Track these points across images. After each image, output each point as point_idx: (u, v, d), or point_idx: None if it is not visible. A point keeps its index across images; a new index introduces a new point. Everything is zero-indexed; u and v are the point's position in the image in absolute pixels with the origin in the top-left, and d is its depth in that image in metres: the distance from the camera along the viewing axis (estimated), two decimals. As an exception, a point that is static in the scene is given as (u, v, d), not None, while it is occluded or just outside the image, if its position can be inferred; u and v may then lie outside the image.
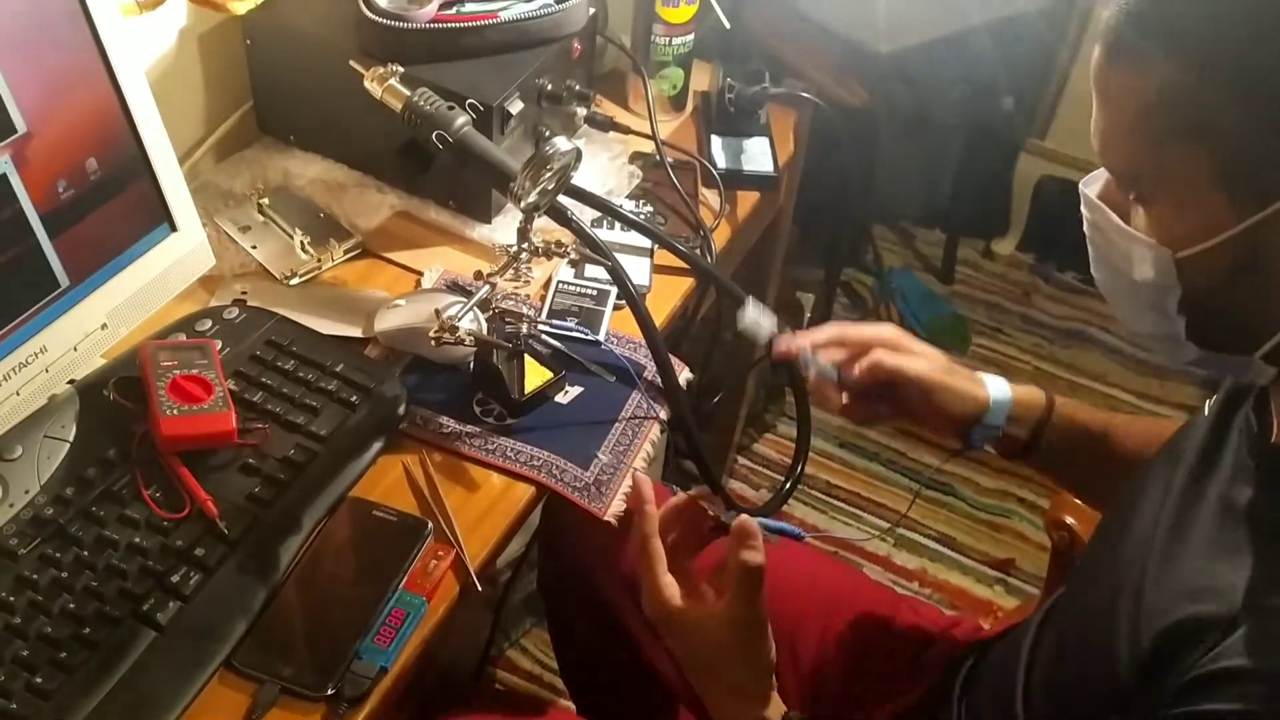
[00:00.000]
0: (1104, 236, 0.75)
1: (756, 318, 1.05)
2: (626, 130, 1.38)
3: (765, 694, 0.89)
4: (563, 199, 1.06)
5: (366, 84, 1.10)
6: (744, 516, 0.90)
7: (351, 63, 1.11)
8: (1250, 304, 0.68)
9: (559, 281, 1.20)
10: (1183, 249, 0.68)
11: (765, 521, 1.17)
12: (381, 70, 1.09)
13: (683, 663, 0.92)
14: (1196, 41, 0.63)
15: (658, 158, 1.35)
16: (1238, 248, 0.66)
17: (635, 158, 1.39)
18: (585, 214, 1.14)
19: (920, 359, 1.04)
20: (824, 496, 2.21)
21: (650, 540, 0.91)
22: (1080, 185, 0.76)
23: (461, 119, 1.06)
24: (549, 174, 1.00)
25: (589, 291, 1.20)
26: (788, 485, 1.20)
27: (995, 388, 1.05)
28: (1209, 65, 0.63)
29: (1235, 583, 0.67)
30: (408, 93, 1.07)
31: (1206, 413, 0.82)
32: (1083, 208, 0.77)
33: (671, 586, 0.90)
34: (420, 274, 1.21)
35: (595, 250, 1.07)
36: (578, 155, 1.02)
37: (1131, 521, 0.82)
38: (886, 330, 1.06)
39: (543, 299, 1.19)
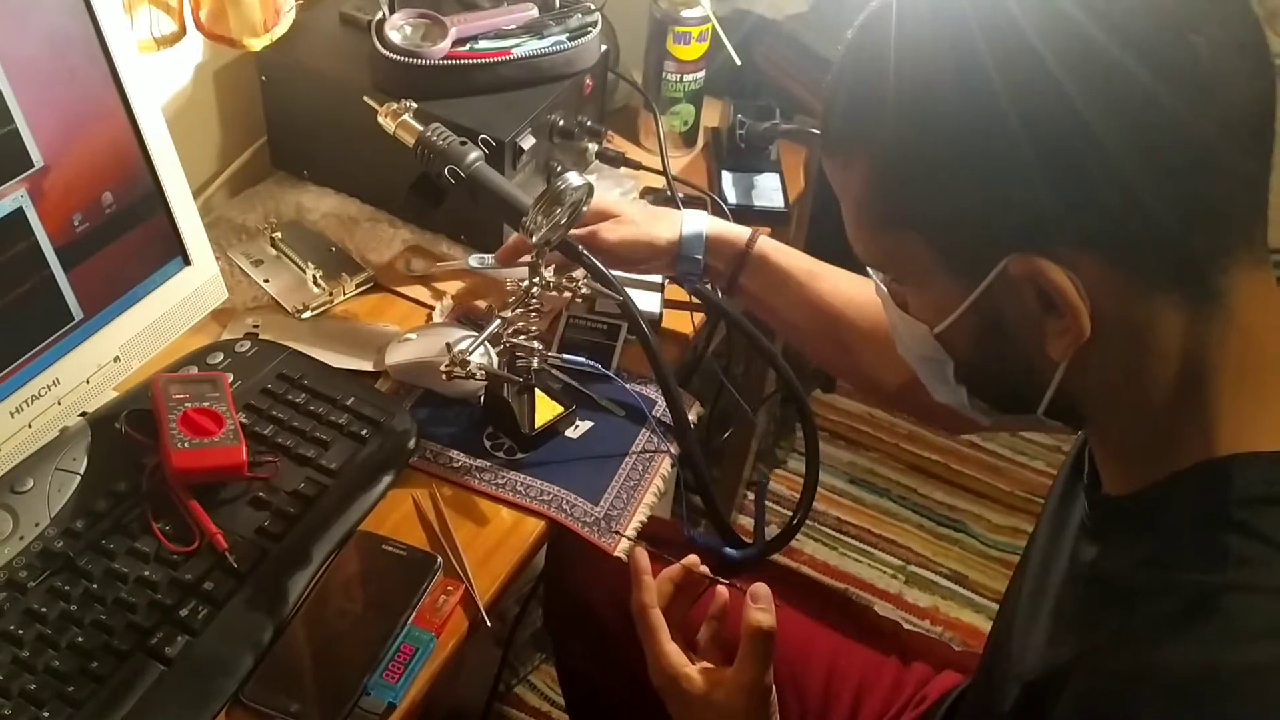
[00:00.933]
0: (889, 317, 0.76)
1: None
2: (638, 166, 1.38)
3: None
4: (574, 234, 1.07)
5: (380, 119, 1.10)
6: (758, 584, 0.91)
7: (365, 98, 1.12)
8: (1013, 366, 0.68)
9: (570, 316, 1.21)
10: (935, 326, 0.69)
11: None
12: (395, 106, 1.10)
13: None
14: (879, 139, 0.64)
15: (669, 193, 1.36)
16: (978, 319, 0.66)
17: (647, 192, 1.40)
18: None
19: (619, 225, 1.13)
20: (834, 533, 2.19)
21: (649, 611, 0.93)
22: (872, 274, 0.77)
23: (474, 154, 1.07)
24: (561, 210, 1.01)
25: (600, 326, 1.20)
26: (794, 521, 1.19)
27: (691, 223, 1.12)
28: (892, 159, 0.64)
29: (1072, 643, 0.68)
30: (421, 128, 1.08)
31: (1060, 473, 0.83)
32: (877, 294, 0.78)
33: (677, 654, 0.91)
34: (431, 308, 1.21)
35: (606, 285, 1.07)
36: (589, 191, 1.03)
37: (1023, 568, 0.84)
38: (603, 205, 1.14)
39: (553, 333, 1.19)
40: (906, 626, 1.26)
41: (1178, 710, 0.58)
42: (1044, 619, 0.75)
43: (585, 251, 1.07)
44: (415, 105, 1.11)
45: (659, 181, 1.39)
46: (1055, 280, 0.60)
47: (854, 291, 1.09)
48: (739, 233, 1.12)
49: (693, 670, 0.92)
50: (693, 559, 0.99)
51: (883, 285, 0.75)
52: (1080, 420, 0.71)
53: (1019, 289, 0.63)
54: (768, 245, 1.12)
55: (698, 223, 1.13)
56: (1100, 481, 0.72)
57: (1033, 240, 0.61)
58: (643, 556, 0.96)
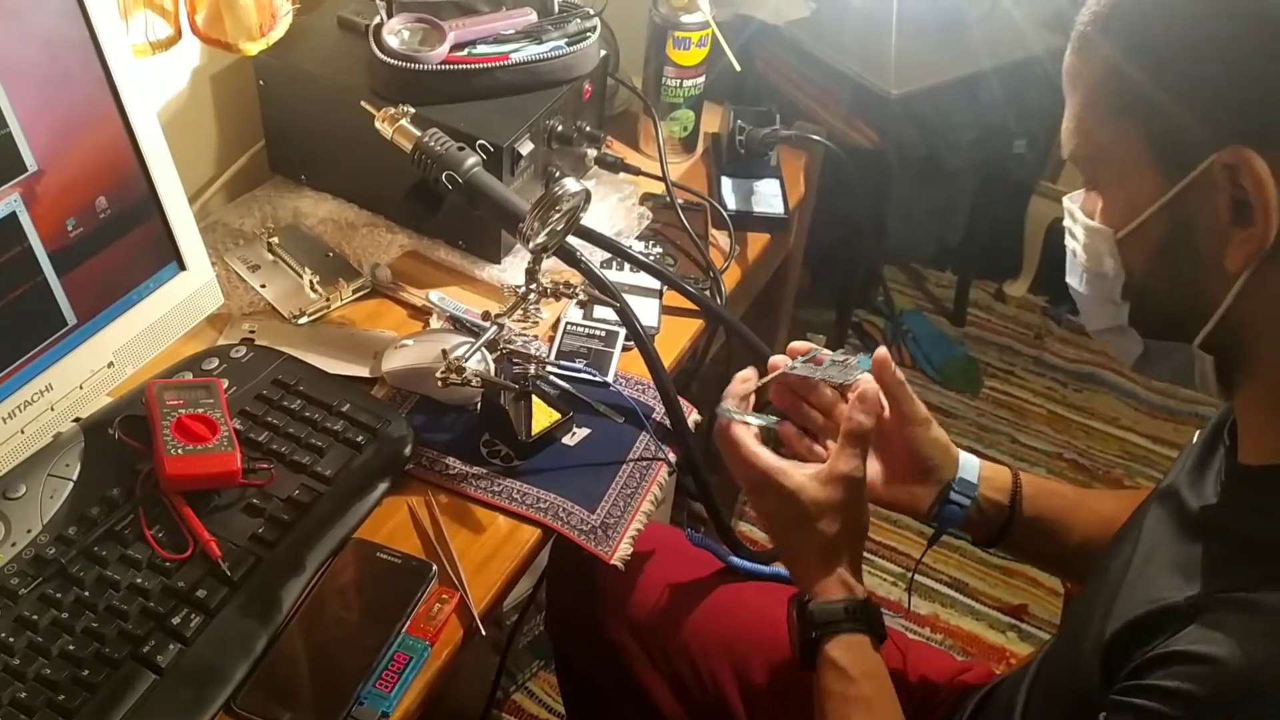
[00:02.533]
0: (1072, 238, 0.78)
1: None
2: (637, 171, 1.38)
3: (857, 556, 0.92)
4: (572, 240, 1.06)
5: (377, 124, 1.10)
6: (866, 386, 0.93)
7: (363, 103, 1.12)
8: (1183, 287, 0.70)
9: (567, 323, 1.20)
10: (1121, 228, 0.71)
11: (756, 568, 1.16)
12: (392, 111, 1.10)
13: (773, 524, 0.95)
14: (1127, 25, 0.68)
15: (668, 199, 1.35)
16: (1167, 223, 0.68)
17: (646, 199, 1.39)
18: (595, 255, 1.14)
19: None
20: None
21: (732, 426, 0.94)
22: (1065, 199, 0.80)
23: (471, 159, 1.06)
24: (558, 215, 1.00)
25: (598, 333, 1.19)
26: None
27: (963, 455, 1.03)
28: (1136, 45, 0.67)
29: (1195, 584, 0.68)
30: (418, 133, 1.08)
31: (1194, 442, 0.82)
32: (1065, 218, 0.79)
33: (769, 454, 0.92)
34: (428, 315, 1.21)
35: (604, 291, 1.07)
36: (587, 196, 1.02)
37: (1115, 556, 0.82)
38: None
39: (551, 339, 1.18)
40: (910, 636, 1.25)
41: None
42: (1156, 575, 0.74)
43: (582, 256, 1.06)
44: (413, 110, 1.10)
45: (658, 187, 1.38)
46: (1257, 172, 0.62)
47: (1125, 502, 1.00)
48: (1001, 469, 1.04)
49: (787, 464, 0.91)
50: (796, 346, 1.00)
51: (1073, 205, 0.77)
52: (1234, 365, 0.71)
53: (1215, 190, 0.65)
54: (1031, 477, 1.05)
55: (966, 456, 1.04)
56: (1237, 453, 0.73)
57: (1248, 136, 0.63)
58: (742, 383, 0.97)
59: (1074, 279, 0.79)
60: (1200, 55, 0.64)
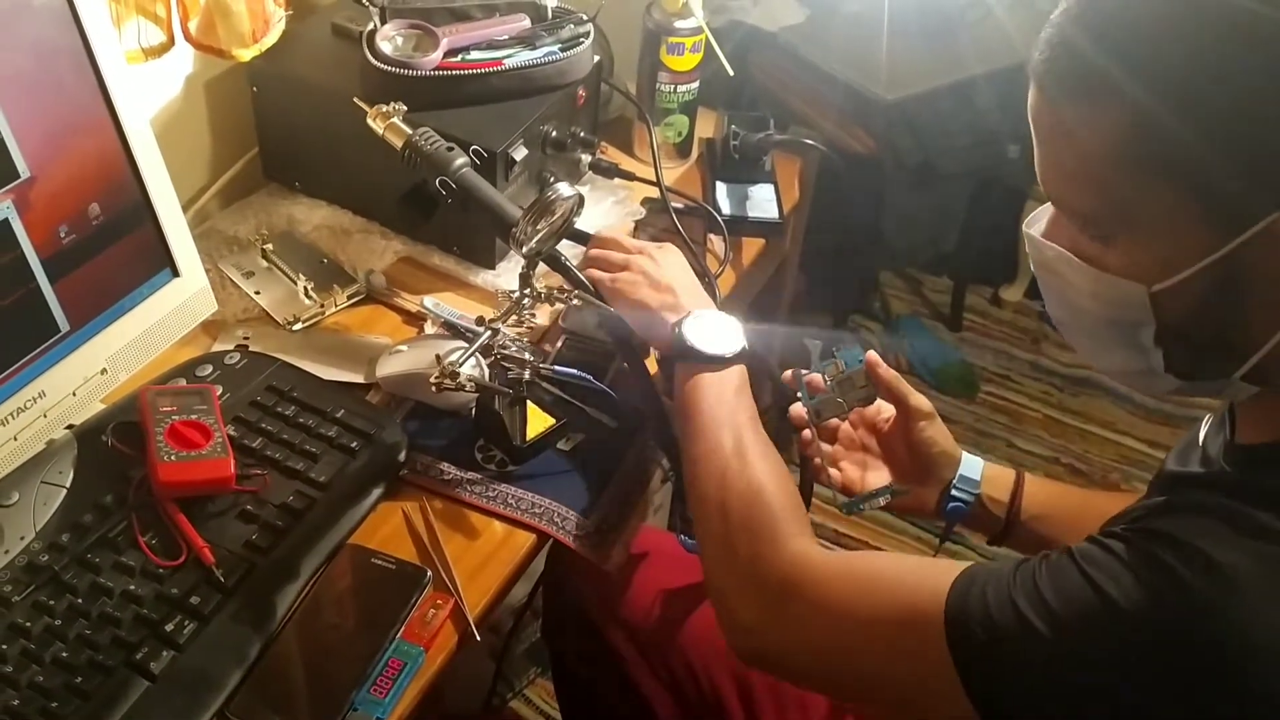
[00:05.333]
0: (1060, 278, 0.74)
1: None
2: (631, 177, 1.38)
3: None
4: (566, 244, 1.06)
5: (369, 121, 1.10)
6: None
7: (355, 99, 1.12)
8: (1227, 328, 0.68)
9: (566, 334, 1.20)
10: (1157, 282, 0.68)
11: None
12: (385, 108, 1.10)
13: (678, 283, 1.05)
14: (1152, 83, 0.63)
15: (663, 204, 1.35)
16: (1214, 274, 0.66)
17: (646, 202, 1.39)
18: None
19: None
20: (832, 546, 2.18)
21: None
22: (1024, 227, 0.76)
23: (460, 160, 1.06)
24: (550, 220, 1.00)
25: (595, 348, 1.18)
26: None
27: (967, 455, 1.06)
28: (1167, 106, 0.62)
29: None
30: (409, 131, 1.08)
31: (1201, 432, 0.82)
32: (1028, 248, 0.76)
33: None
34: (423, 321, 1.21)
35: (594, 299, 1.06)
36: (580, 201, 1.02)
37: None
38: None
39: (537, 341, 1.18)
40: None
41: None
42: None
43: (570, 264, 1.06)
44: (405, 108, 1.10)
45: (653, 192, 1.38)
46: None
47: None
48: (1005, 469, 1.07)
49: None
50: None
51: (1056, 246, 0.73)
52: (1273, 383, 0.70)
53: (1274, 243, 0.63)
54: (1034, 477, 1.07)
55: (969, 455, 1.07)
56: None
57: None
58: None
59: (1073, 321, 0.76)
60: (1242, 124, 0.61)
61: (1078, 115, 0.66)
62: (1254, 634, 0.61)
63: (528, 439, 1.05)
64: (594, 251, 1.11)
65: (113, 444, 0.98)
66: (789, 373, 1.06)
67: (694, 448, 0.94)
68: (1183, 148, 0.63)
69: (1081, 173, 0.68)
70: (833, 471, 1.05)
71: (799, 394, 1.04)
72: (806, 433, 1.04)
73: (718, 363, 0.98)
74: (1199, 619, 0.63)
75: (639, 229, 1.36)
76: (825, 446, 1.07)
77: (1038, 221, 0.76)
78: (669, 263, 1.08)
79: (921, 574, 0.77)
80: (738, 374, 0.98)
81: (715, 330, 1.00)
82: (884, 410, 1.07)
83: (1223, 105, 0.61)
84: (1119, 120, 0.64)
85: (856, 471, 1.06)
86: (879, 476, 1.06)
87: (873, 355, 1.02)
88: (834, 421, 1.06)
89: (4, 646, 0.84)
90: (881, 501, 1.03)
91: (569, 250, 1.09)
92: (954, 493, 1.04)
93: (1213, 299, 0.67)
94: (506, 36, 1.28)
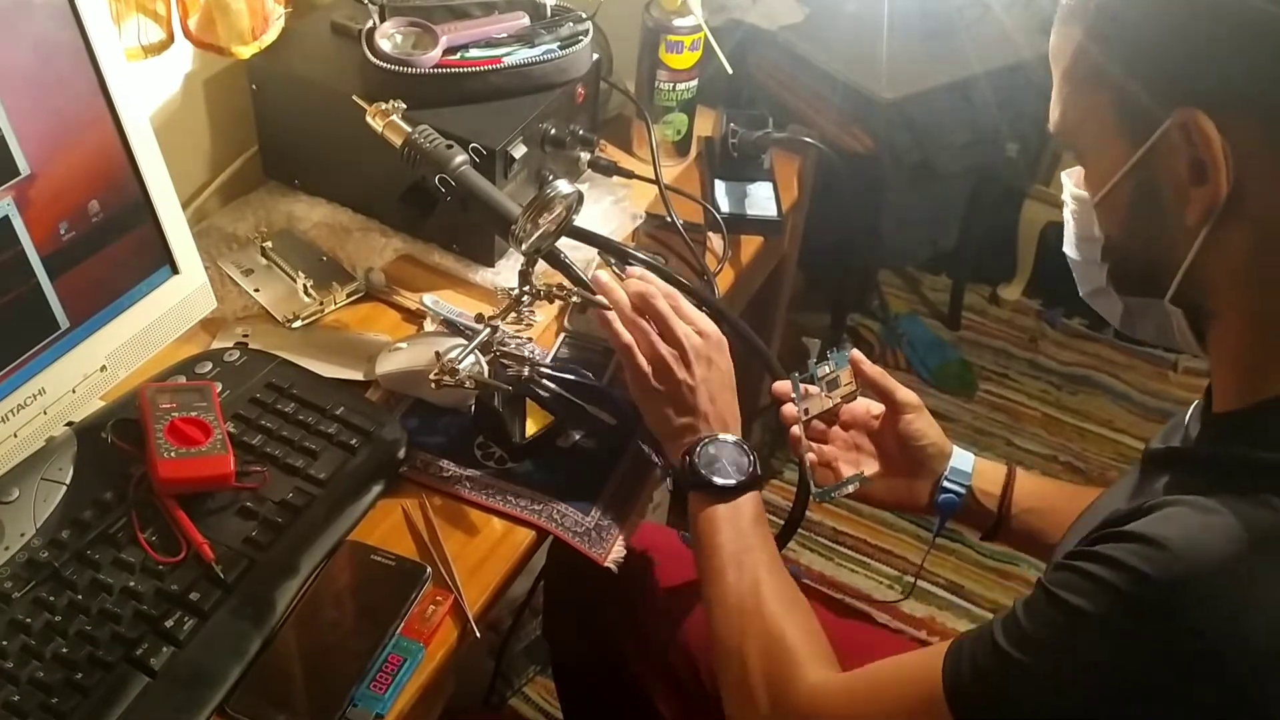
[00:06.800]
0: (1066, 209, 0.82)
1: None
2: (630, 175, 1.38)
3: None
4: (567, 242, 1.06)
5: (368, 119, 1.10)
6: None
7: (354, 97, 1.12)
8: (1152, 245, 0.73)
9: (567, 334, 1.20)
10: (1096, 193, 0.75)
11: None
12: (384, 106, 1.10)
13: (707, 386, 1.00)
14: (1096, 4, 0.71)
15: (668, 218, 1.35)
16: (1135, 186, 0.72)
17: (650, 220, 1.38)
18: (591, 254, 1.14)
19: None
20: (830, 544, 2.18)
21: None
22: (1062, 173, 0.84)
23: (460, 158, 1.06)
24: (550, 217, 1.00)
25: (596, 347, 1.19)
26: (784, 530, 1.18)
27: (957, 449, 1.08)
28: (1100, 22, 0.71)
29: (1153, 499, 0.70)
30: (408, 129, 1.08)
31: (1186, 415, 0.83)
32: (1064, 191, 0.83)
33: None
34: (422, 318, 1.21)
35: (592, 295, 1.07)
36: (579, 198, 1.02)
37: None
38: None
39: (549, 348, 1.18)
40: (906, 638, 1.25)
41: None
42: (1114, 498, 0.78)
43: (570, 261, 1.06)
44: (404, 106, 1.10)
45: (651, 190, 1.38)
46: (1205, 131, 0.65)
47: None
48: (996, 464, 1.09)
49: None
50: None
51: (1068, 176, 0.81)
52: (1203, 319, 0.73)
53: (1174, 152, 0.68)
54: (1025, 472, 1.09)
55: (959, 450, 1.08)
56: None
57: (1202, 100, 0.66)
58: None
59: (1068, 247, 0.82)
60: (1149, 27, 0.68)
61: (1057, 40, 0.75)
62: (1221, 610, 0.62)
63: (527, 436, 1.06)
64: (635, 302, 1.03)
65: (113, 441, 0.98)
66: (782, 382, 1.08)
67: (710, 589, 0.93)
68: (1108, 59, 0.70)
69: (1058, 92, 0.76)
70: (821, 468, 1.07)
71: (793, 397, 1.06)
72: (796, 430, 1.05)
73: (730, 493, 0.96)
74: (1163, 607, 0.63)
75: (638, 235, 1.36)
76: (824, 448, 1.09)
77: (1077, 171, 0.81)
78: (709, 379, 1.01)
79: (916, 664, 0.79)
80: (752, 503, 0.96)
81: (730, 457, 0.97)
82: (873, 408, 1.08)
83: (1136, 16, 0.69)
84: (1075, 37, 0.73)
85: (850, 470, 1.07)
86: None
87: (856, 353, 1.05)
88: (818, 424, 1.08)
89: (4, 642, 0.84)
90: (850, 489, 1.05)
91: (566, 246, 1.09)
92: (945, 484, 1.05)
93: (1137, 210, 0.73)
94: (505, 34, 1.28)
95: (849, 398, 1.05)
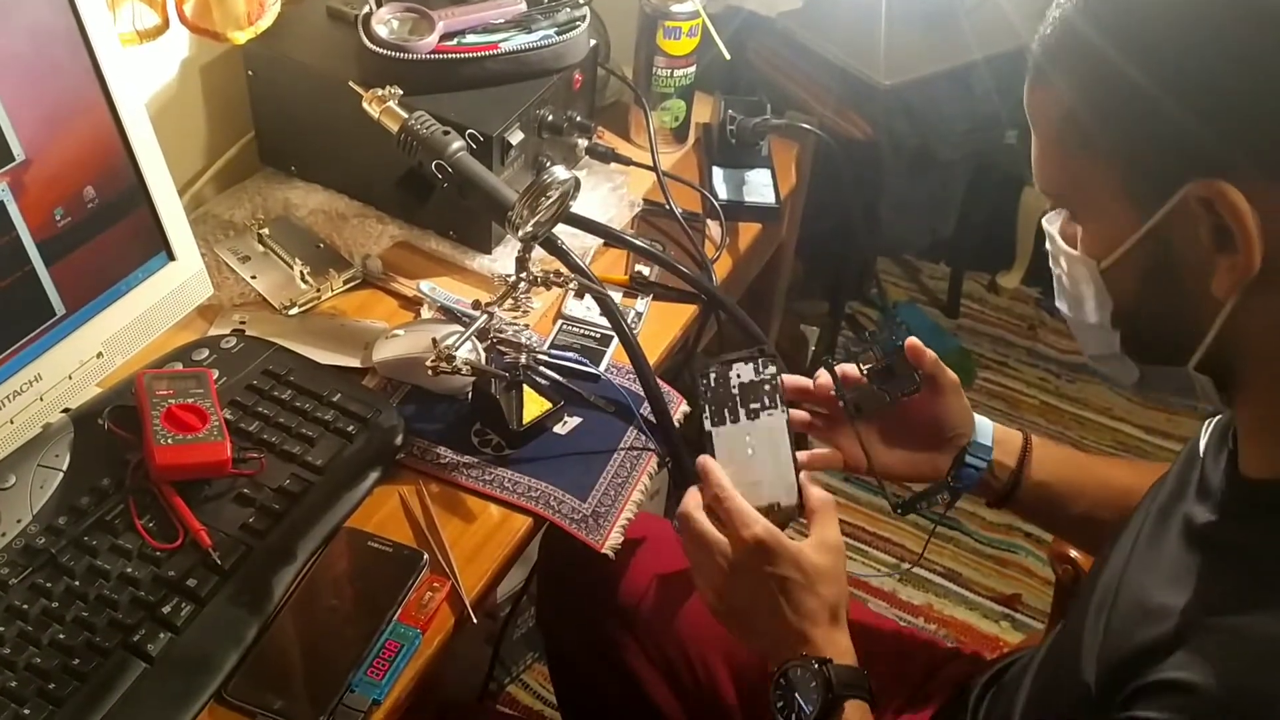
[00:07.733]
0: (1058, 265, 0.77)
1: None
2: (628, 161, 1.38)
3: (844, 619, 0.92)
4: (565, 228, 1.06)
5: (365, 105, 1.10)
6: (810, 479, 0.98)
7: (350, 83, 1.12)
8: (1172, 313, 0.69)
9: (564, 321, 1.20)
10: (1103, 259, 0.70)
11: None
12: (380, 92, 1.10)
13: (764, 593, 0.90)
14: (1086, 63, 0.66)
15: (667, 206, 1.34)
16: (1150, 252, 0.67)
17: (647, 208, 1.38)
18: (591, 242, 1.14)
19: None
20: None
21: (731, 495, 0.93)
22: (1043, 221, 0.78)
23: (457, 144, 1.06)
24: (547, 203, 1.00)
25: (593, 334, 1.19)
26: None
27: (978, 418, 1.05)
28: (1096, 80, 0.66)
29: (1187, 603, 0.68)
30: (405, 115, 1.07)
31: (1201, 440, 0.81)
32: (1047, 242, 0.78)
33: (768, 526, 0.91)
34: (419, 305, 1.21)
35: (589, 281, 1.07)
36: (576, 184, 1.02)
37: (1112, 551, 0.82)
38: None
39: (546, 335, 1.18)
40: (903, 625, 1.25)
41: None
42: (1152, 586, 0.73)
43: (567, 247, 1.06)
44: (401, 92, 1.10)
45: (649, 177, 1.38)
46: (1233, 203, 0.61)
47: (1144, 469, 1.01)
48: (1013, 432, 1.06)
49: (783, 537, 0.91)
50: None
51: (1055, 234, 0.76)
52: (1232, 382, 0.70)
53: (1194, 219, 0.63)
54: (1043, 440, 1.06)
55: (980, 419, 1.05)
56: (1238, 463, 0.72)
57: (1218, 166, 0.62)
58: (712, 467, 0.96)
59: (1063, 305, 0.78)
60: (1161, 95, 0.63)
61: (1035, 102, 0.70)
62: None
63: (524, 423, 1.06)
64: (708, 501, 0.96)
65: (109, 427, 0.98)
66: (822, 372, 1.03)
67: None
68: (1104, 128, 0.66)
69: (1045, 154, 0.71)
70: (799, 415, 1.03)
71: (834, 390, 1.02)
72: (803, 415, 1.03)
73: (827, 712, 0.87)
74: None
75: (637, 223, 1.35)
76: (826, 451, 1.05)
77: (1057, 218, 0.77)
78: (799, 602, 0.90)
79: None
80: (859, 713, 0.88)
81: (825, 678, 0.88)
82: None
83: (1140, 81, 0.63)
84: (1064, 99, 0.68)
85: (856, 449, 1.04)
86: (887, 455, 1.05)
87: (913, 341, 1.00)
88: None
89: (2, 628, 0.84)
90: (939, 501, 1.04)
91: (565, 234, 1.08)
92: (967, 459, 1.02)
93: (1153, 278, 0.68)
94: (502, 20, 1.27)
95: (912, 391, 1.00)
